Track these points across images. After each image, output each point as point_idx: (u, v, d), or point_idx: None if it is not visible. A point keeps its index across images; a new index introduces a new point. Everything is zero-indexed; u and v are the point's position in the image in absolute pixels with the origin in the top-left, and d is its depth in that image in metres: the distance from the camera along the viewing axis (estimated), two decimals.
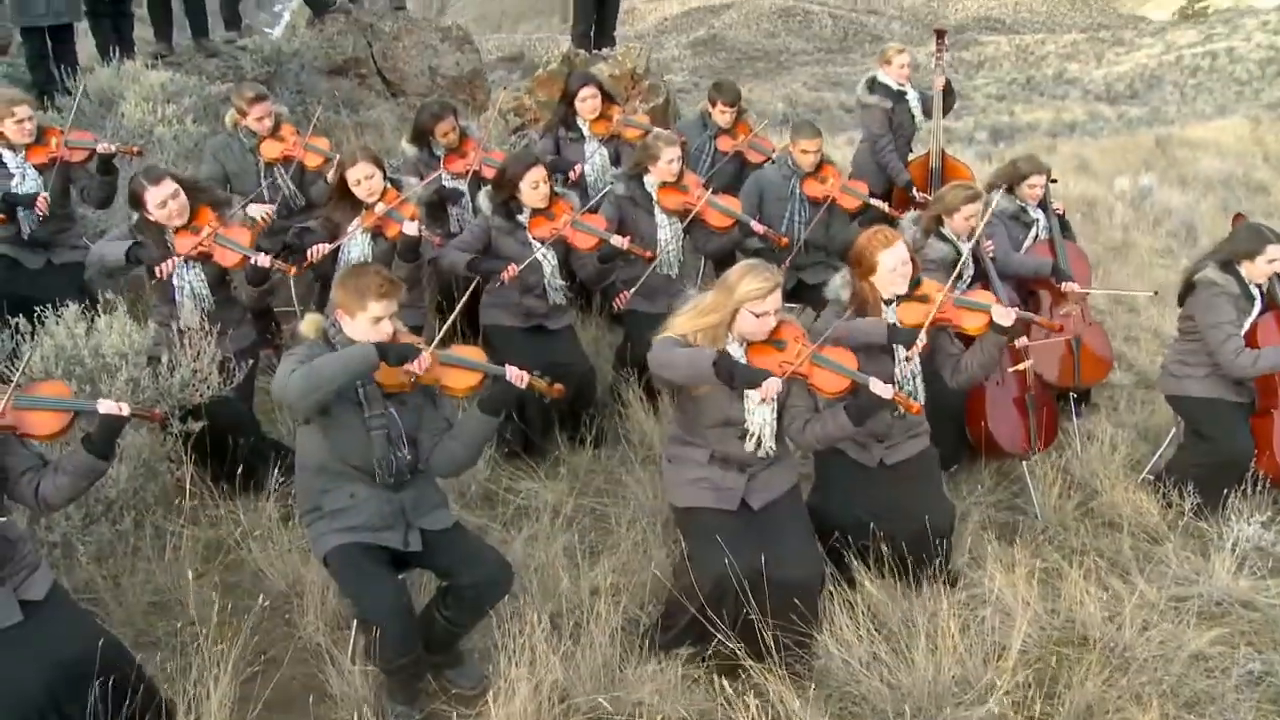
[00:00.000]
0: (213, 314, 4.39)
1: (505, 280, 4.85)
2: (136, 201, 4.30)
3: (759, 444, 3.68)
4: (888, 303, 4.05)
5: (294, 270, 4.51)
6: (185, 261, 4.32)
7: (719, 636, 3.52)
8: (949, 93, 6.77)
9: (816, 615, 3.70)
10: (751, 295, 3.55)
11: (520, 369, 3.47)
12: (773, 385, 3.45)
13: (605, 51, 8.23)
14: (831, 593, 3.84)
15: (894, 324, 3.98)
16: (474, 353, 3.57)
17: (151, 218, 4.31)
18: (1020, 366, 4.80)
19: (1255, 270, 4.63)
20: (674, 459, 3.85)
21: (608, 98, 6.36)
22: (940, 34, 6.90)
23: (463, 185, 5.73)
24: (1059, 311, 5.40)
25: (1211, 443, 4.70)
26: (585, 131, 6.24)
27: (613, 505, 4.65)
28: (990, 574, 4.03)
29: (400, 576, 3.52)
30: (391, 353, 3.31)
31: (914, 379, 4.10)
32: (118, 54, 7.17)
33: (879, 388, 3.55)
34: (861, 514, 4.01)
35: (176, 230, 4.32)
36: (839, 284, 4.13)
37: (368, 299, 3.30)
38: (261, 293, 4.42)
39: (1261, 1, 58.74)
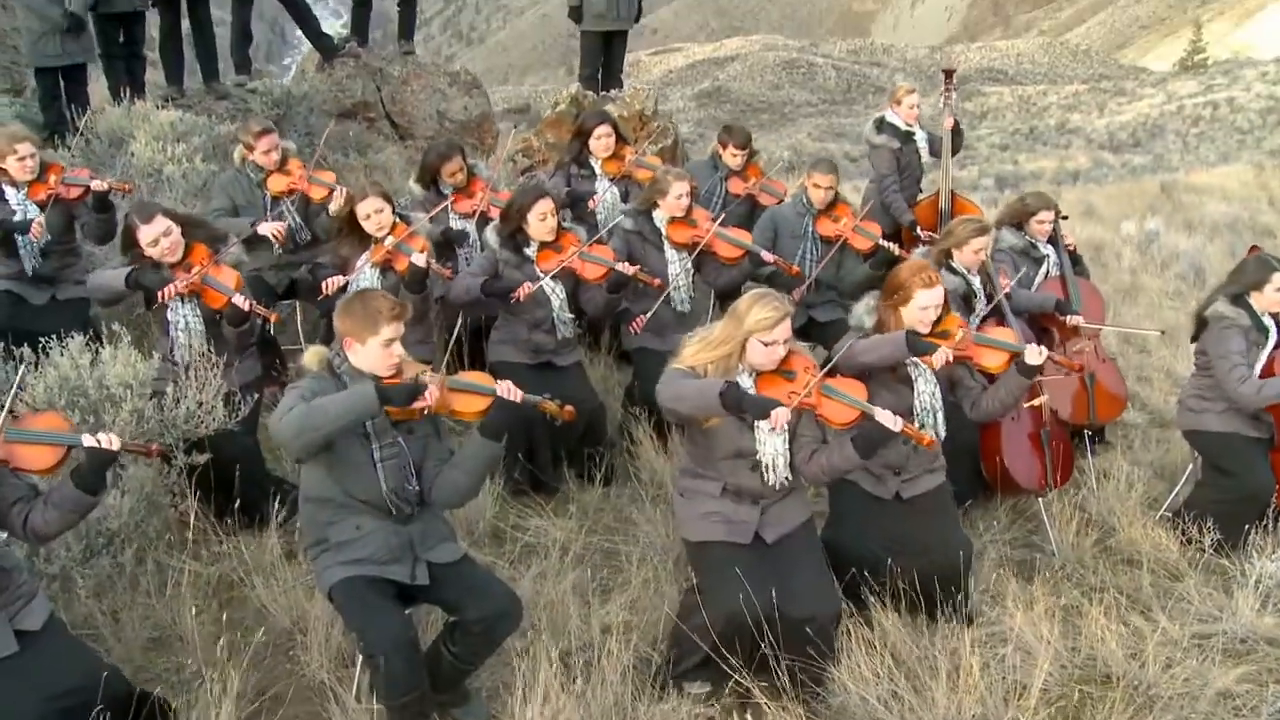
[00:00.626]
0: (218, 346, 4.35)
1: (520, 298, 4.79)
2: (129, 238, 4.27)
3: (772, 475, 3.62)
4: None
5: (275, 316, 4.46)
6: (180, 297, 4.28)
7: (733, 674, 3.43)
8: (957, 132, 6.78)
9: (833, 650, 3.62)
10: (761, 325, 3.51)
11: (520, 388, 3.38)
12: (782, 415, 3.40)
13: (613, 93, 8.28)
14: (849, 629, 3.75)
15: (913, 331, 3.93)
16: (481, 377, 3.49)
17: (146, 255, 4.27)
18: (1036, 402, 4.76)
19: (1265, 300, 4.60)
20: (685, 493, 3.78)
21: (621, 138, 6.37)
22: (948, 73, 6.92)
23: (470, 226, 5.72)
24: (1072, 348, 5.36)
25: (1231, 478, 4.63)
26: (597, 170, 6.24)
27: (623, 543, 4.58)
28: (1009, 611, 3.95)
29: (407, 611, 3.46)
30: (395, 395, 3.21)
31: (934, 412, 4.04)
32: (128, 95, 7.22)
33: (886, 419, 3.47)
34: (877, 548, 3.95)
35: (171, 266, 4.27)
36: (864, 310, 4.10)
37: (380, 323, 3.23)
38: (242, 333, 4.34)
39: (1259, 53, 59.42)
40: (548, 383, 4.91)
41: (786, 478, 3.65)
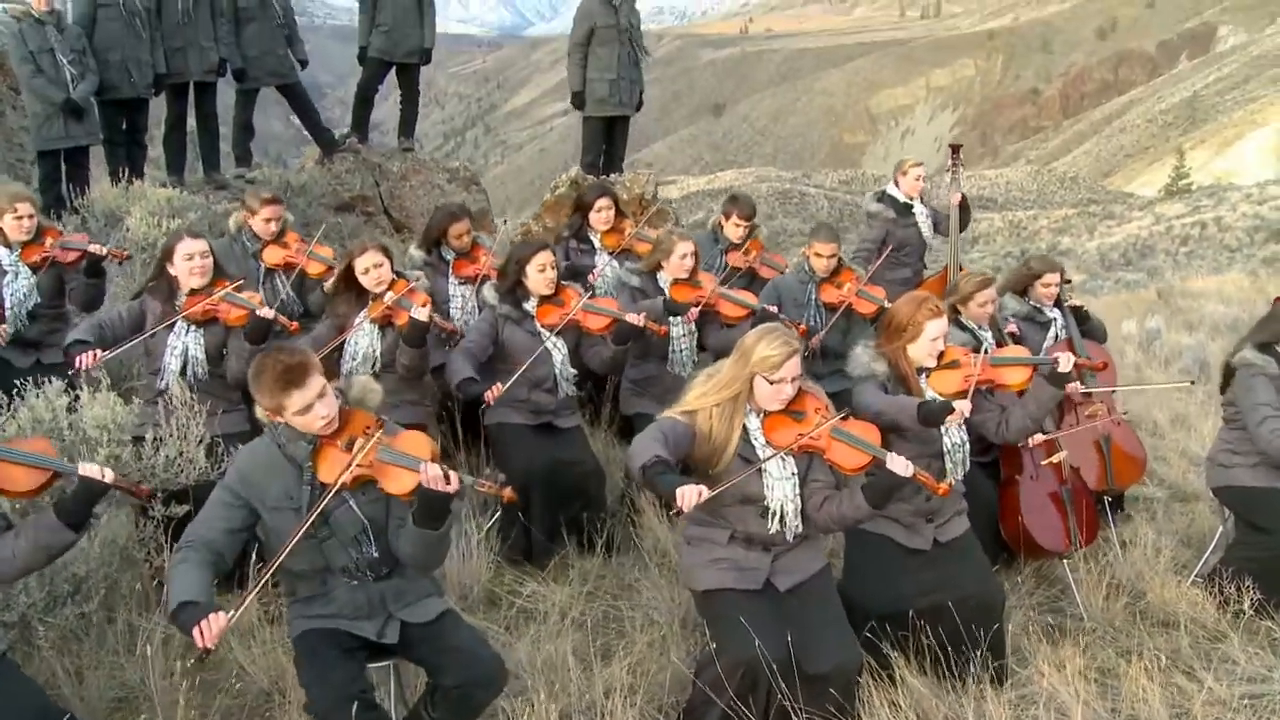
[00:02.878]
0: (205, 393, 4.20)
1: (489, 401, 4.51)
2: (166, 254, 4.34)
3: (781, 522, 3.40)
4: (917, 372, 3.85)
5: (296, 326, 4.43)
6: (187, 325, 4.27)
7: None
8: (965, 208, 6.72)
9: (854, 705, 3.34)
10: (768, 362, 3.31)
11: (449, 470, 2.88)
12: (690, 496, 2.96)
13: (614, 177, 8.29)
14: (870, 687, 3.48)
15: (924, 402, 3.73)
16: (417, 446, 3.01)
17: (173, 271, 4.32)
18: (1055, 458, 4.59)
19: None
20: (693, 540, 3.55)
21: (620, 213, 6.32)
22: (955, 149, 6.91)
23: (469, 292, 5.61)
24: (1084, 412, 5.18)
25: (1267, 534, 4.39)
26: (596, 243, 6.17)
27: (627, 608, 4.32)
28: (1041, 671, 3.67)
29: (384, 664, 3.20)
30: (179, 624, 2.67)
31: (963, 447, 3.84)
32: (127, 175, 7.22)
33: (898, 465, 3.24)
34: (903, 600, 3.69)
35: (190, 292, 4.30)
36: (868, 358, 3.88)
37: (279, 397, 2.91)
38: (254, 354, 4.09)
39: (1240, 179, 60.85)
40: (547, 443, 4.75)
41: (797, 526, 3.43)
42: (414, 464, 2.90)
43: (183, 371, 4.30)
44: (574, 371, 4.84)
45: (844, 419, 3.40)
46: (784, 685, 3.20)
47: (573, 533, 4.72)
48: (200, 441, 3.93)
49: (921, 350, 3.80)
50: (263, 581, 2.83)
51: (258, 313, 4.23)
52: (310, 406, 2.93)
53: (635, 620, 4.14)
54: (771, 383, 3.33)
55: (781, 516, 3.38)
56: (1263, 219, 36.46)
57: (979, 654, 3.62)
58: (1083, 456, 5.05)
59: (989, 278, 4.93)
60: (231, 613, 2.66)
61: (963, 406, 3.63)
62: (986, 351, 4.81)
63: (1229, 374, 4.60)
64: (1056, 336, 5.40)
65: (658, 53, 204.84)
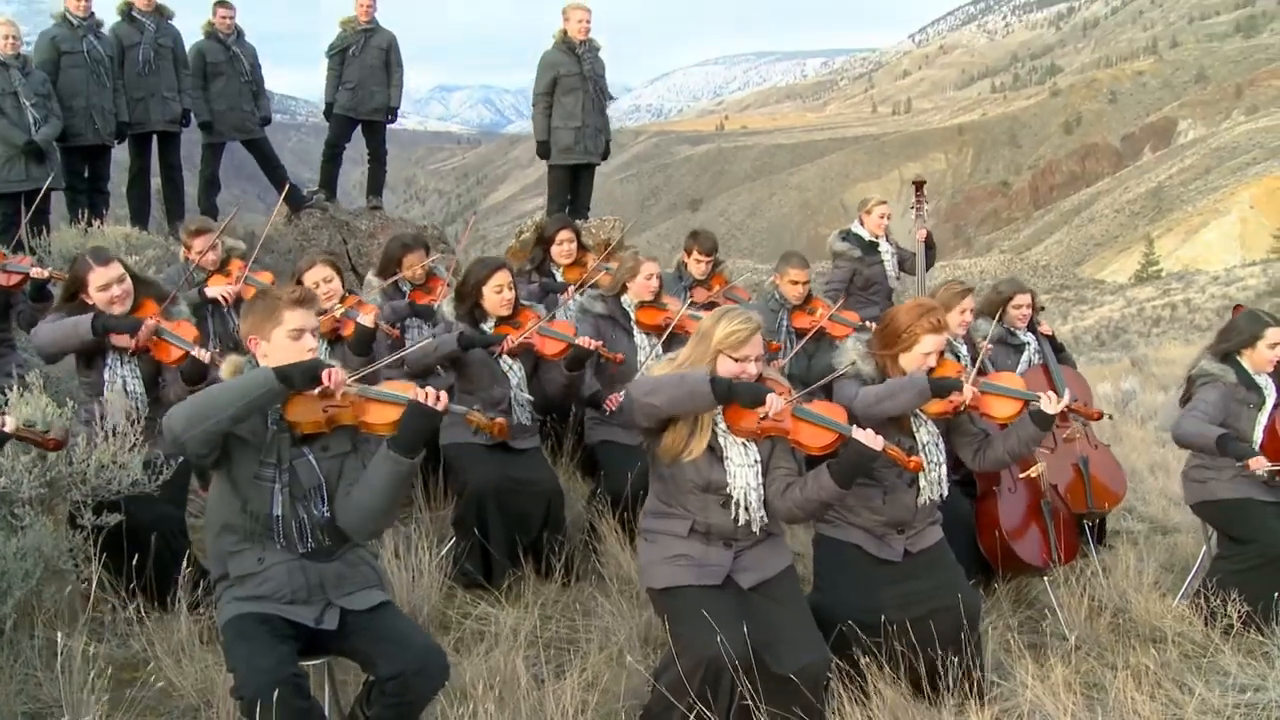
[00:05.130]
0: (148, 416, 3.98)
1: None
2: (78, 283, 3.99)
3: (744, 512, 3.22)
4: None
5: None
6: (120, 357, 4.00)
7: None
8: (930, 245, 6.69)
9: (822, 706, 3.12)
10: (731, 340, 3.18)
11: (438, 394, 2.83)
12: (775, 402, 3.05)
13: (580, 224, 8.23)
14: (843, 698, 3.26)
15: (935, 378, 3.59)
16: (401, 386, 2.99)
17: (90, 301, 3.99)
18: (1031, 472, 4.46)
19: (1258, 358, 4.37)
20: (650, 535, 3.37)
21: (583, 247, 6.24)
22: (919, 185, 6.89)
23: (424, 325, 5.47)
24: (1061, 435, 5.06)
25: (1249, 544, 4.25)
26: (559, 277, 6.07)
27: (584, 631, 4.09)
28: (1024, 683, 3.47)
29: (317, 662, 2.98)
30: (295, 374, 2.75)
31: (939, 464, 3.68)
32: (86, 218, 7.12)
33: (867, 438, 3.09)
34: (872, 612, 3.48)
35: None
36: (858, 354, 3.72)
37: (280, 309, 2.85)
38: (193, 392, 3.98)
39: (1207, 265, 62.00)
40: (504, 461, 4.56)
41: (761, 517, 3.25)
42: (398, 398, 2.84)
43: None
44: (529, 398, 4.66)
45: (808, 400, 3.26)
46: (748, 684, 2.99)
47: (530, 557, 4.50)
48: (134, 447, 3.72)
49: (913, 363, 3.64)
50: None
51: (193, 354, 3.96)
52: (303, 332, 2.85)
53: (592, 640, 3.91)
54: (735, 360, 3.19)
55: (746, 506, 3.22)
56: (1231, 299, 37.02)
57: (955, 664, 3.40)
58: (1061, 477, 4.91)
59: (969, 287, 4.83)
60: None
61: (967, 392, 3.53)
62: (966, 367, 4.70)
63: (1190, 385, 4.50)
64: (1030, 361, 5.30)
65: (634, 149, 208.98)
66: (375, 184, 9.66)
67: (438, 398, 2.81)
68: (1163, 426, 4.42)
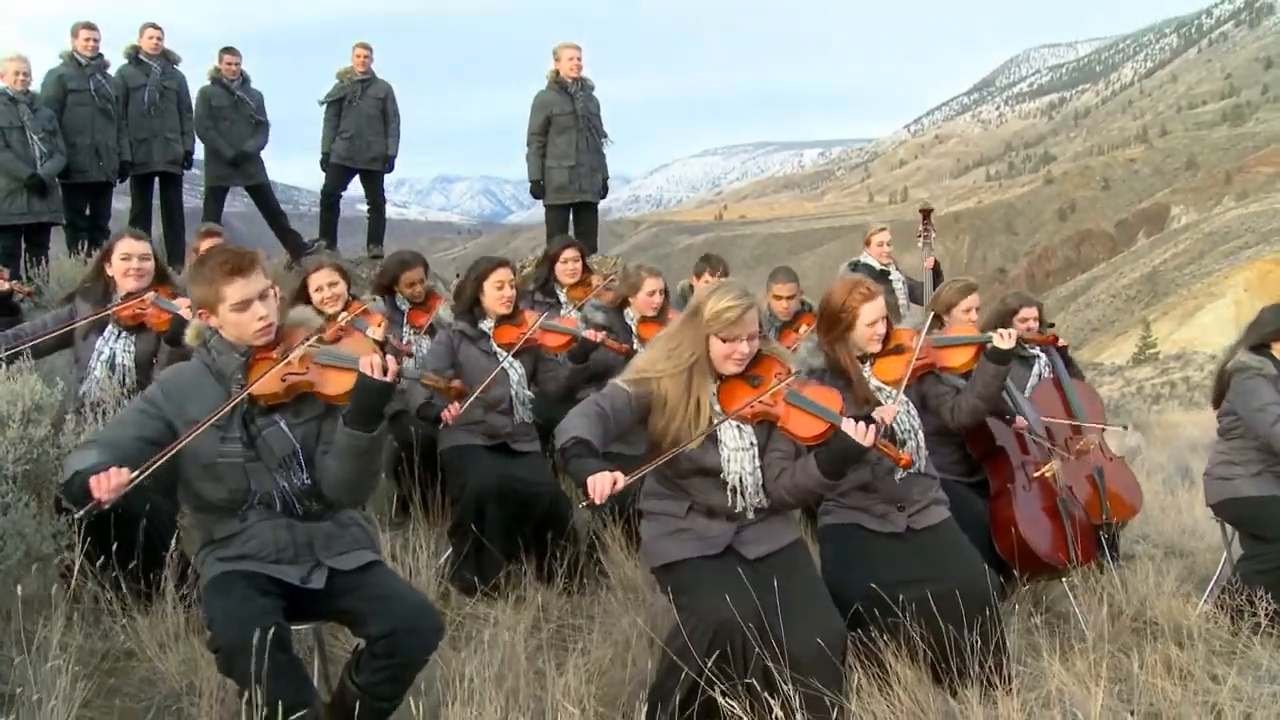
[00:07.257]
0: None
1: (447, 420, 4.34)
2: (105, 253, 4.13)
3: (741, 498, 3.11)
4: (862, 360, 3.63)
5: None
6: (117, 330, 4.03)
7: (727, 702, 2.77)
8: (938, 273, 6.64)
9: (840, 682, 2.96)
10: (724, 317, 3.05)
11: (385, 364, 2.63)
12: (603, 486, 2.69)
13: None
14: (861, 679, 3.11)
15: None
16: (356, 347, 2.84)
17: (110, 272, 4.09)
18: (1045, 470, 4.34)
19: None
20: (651, 514, 3.25)
21: (588, 268, 6.20)
22: (925, 213, 6.87)
23: (426, 342, 5.40)
24: (1074, 446, 4.94)
25: (1276, 543, 4.12)
26: (562, 297, 6.01)
27: (587, 629, 3.92)
28: (1050, 670, 3.31)
29: (304, 627, 2.86)
30: (70, 490, 2.39)
31: (914, 431, 3.59)
32: (86, 248, 7.11)
33: (856, 431, 2.94)
34: (882, 588, 3.33)
35: (125, 296, 4.06)
36: (805, 353, 3.69)
37: (219, 285, 2.67)
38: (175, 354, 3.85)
39: (1204, 347, 62.18)
40: (505, 462, 4.45)
41: (759, 501, 3.14)
42: (353, 362, 2.64)
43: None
44: (530, 395, 4.57)
45: (802, 383, 3.16)
46: (764, 649, 2.85)
47: (530, 556, 4.35)
48: None
49: (862, 336, 3.59)
50: (165, 454, 2.48)
51: (180, 313, 3.91)
52: (249, 302, 2.69)
53: (593, 638, 3.75)
54: (725, 341, 3.07)
55: (741, 491, 3.10)
56: None
57: (974, 645, 3.24)
58: (1076, 489, 4.77)
59: (973, 284, 4.77)
60: (135, 473, 2.35)
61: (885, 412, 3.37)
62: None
63: (1223, 383, 4.42)
64: (1041, 375, 5.21)
65: (634, 239, 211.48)
66: (376, 233, 9.68)
67: (385, 368, 2.62)
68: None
